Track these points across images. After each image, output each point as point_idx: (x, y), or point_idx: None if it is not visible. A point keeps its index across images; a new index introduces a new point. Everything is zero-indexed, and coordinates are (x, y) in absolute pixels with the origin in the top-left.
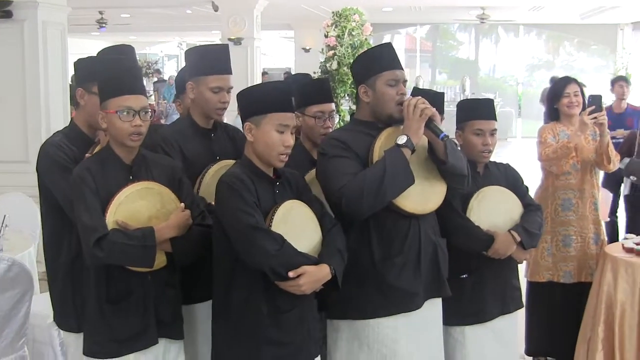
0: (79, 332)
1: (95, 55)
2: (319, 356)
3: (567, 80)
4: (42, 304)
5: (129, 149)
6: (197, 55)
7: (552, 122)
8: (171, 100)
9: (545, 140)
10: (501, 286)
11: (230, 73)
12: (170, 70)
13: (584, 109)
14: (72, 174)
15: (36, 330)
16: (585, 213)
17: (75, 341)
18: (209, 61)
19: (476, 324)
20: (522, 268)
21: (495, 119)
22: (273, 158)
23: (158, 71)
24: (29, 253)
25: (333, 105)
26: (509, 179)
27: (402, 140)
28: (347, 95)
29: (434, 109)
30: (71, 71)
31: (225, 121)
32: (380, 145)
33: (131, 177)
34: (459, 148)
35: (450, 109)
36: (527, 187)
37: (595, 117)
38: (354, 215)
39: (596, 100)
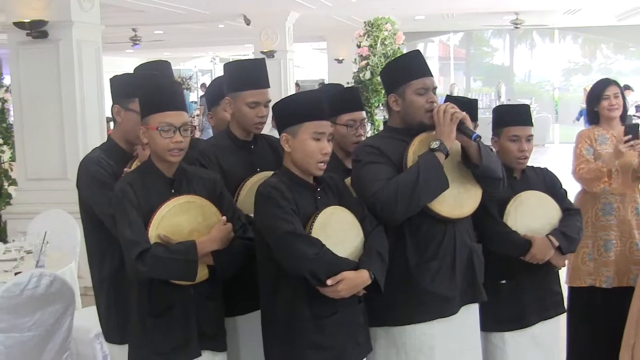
0: (122, 344)
1: (130, 71)
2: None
3: (607, 82)
4: (84, 318)
5: (170, 164)
6: (233, 71)
7: (591, 126)
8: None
9: (580, 153)
10: (541, 291)
11: (267, 87)
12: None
13: (624, 112)
14: (114, 189)
15: (79, 344)
16: (626, 217)
17: (120, 353)
18: (245, 76)
19: (516, 329)
20: (562, 273)
21: (532, 125)
22: (312, 167)
23: (204, 85)
24: (70, 269)
25: (364, 114)
26: (547, 183)
27: (435, 144)
28: (382, 104)
29: (464, 113)
30: (106, 88)
31: None
32: (413, 151)
33: (173, 191)
34: (493, 152)
35: (485, 115)
36: (565, 191)
37: (631, 146)
38: (388, 220)
39: (632, 129)
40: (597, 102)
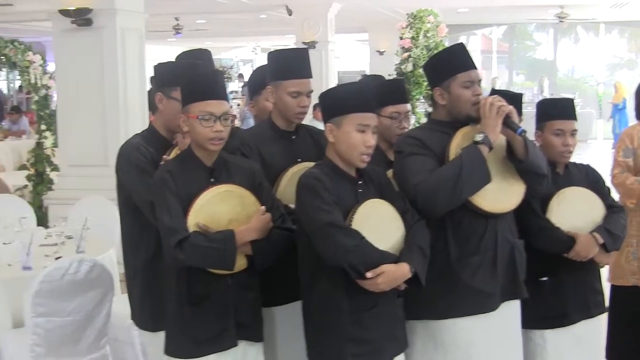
0: (155, 331)
1: (173, 60)
2: (403, 355)
3: None
4: (123, 304)
5: (210, 153)
6: (276, 60)
7: (637, 122)
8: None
9: (617, 155)
10: (583, 289)
11: (310, 77)
12: (246, 75)
13: None
14: (154, 176)
15: (117, 329)
16: None
17: (151, 340)
18: (287, 66)
19: (557, 327)
20: (604, 272)
21: (576, 119)
22: (355, 158)
23: (241, 75)
24: (110, 255)
25: (409, 106)
26: (590, 179)
27: (479, 137)
28: (423, 97)
29: (511, 107)
30: (148, 77)
31: None
32: (457, 144)
33: (212, 180)
34: (538, 147)
35: (528, 110)
36: (608, 189)
37: None
38: (429, 213)
39: None
40: None
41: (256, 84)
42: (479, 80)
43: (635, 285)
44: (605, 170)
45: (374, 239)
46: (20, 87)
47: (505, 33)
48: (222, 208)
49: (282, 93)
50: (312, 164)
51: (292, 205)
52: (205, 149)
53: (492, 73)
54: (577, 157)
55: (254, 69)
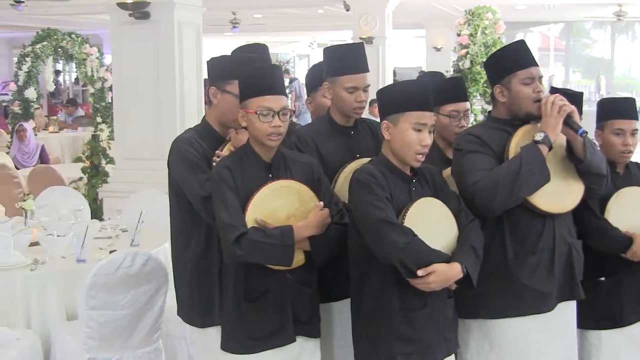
0: (204, 327)
1: (228, 54)
2: (454, 356)
3: None
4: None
5: (268, 148)
6: (331, 55)
7: None
8: None
9: None
10: (639, 290)
11: (367, 71)
12: (302, 69)
13: None
14: (212, 172)
15: (170, 324)
16: None
17: (200, 337)
18: (343, 61)
19: (613, 328)
20: None
21: (637, 119)
22: (409, 157)
23: (287, 71)
24: (164, 248)
25: (468, 104)
26: None
27: (539, 136)
28: (480, 94)
29: (573, 106)
30: (205, 71)
31: None
32: (516, 142)
33: (270, 176)
34: (598, 148)
35: (584, 108)
36: None
37: None
38: (487, 211)
39: None
40: None
41: (313, 81)
42: (540, 77)
43: None
44: None
45: (427, 238)
46: (76, 79)
47: (562, 30)
48: (280, 204)
49: (338, 88)
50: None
51: None
52: (263, 145)
53: (549, 71)
54: (635, 156)
55: (311, 65)
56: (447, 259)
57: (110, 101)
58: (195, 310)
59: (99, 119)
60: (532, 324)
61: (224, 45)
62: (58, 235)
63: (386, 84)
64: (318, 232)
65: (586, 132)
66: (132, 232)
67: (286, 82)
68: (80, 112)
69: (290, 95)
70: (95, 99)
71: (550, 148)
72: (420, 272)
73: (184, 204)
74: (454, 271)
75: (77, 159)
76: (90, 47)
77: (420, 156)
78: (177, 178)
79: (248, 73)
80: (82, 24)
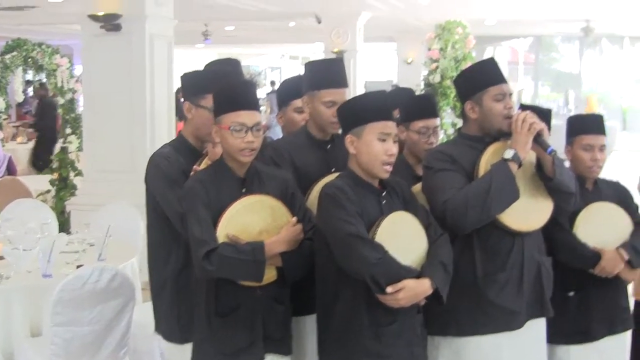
0: (182, 343)
1: (201, 68)
2: None
3: None
4: (143, 314)
5: (241, 163)
6: (311, 70)
7: None
8: None
9: None
10: (608, 305)
11: (345, 86)
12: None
13: None
14: (185, 186)
15: (137, 339)
16: None
17: (178, 353)
18: (322, 75)
19: (582, 343)
20: (629, 288)
21: (605, 134)
22: (377, 168)
23: (273, 82)
24: (132, 263)
25: (438, 121)
26: (619, 196)
27: (509, 154)
28: (450, 108)
29: (543, 124)
30: (177, 83)
31: None
32: (486, 160)
33: (244, 190)
34: (567, 164)
35: (553, 123)
36: (637, 205)
37: None
38: (458, 229)
39: None
40: None
41: (284, 96)
42: (510, 94)
43: None
44: (630, 182)
45: (398, 252)
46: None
47: (531, 45)
48: (252, 219)
49: (317, 103)
50: None
51: None
52: (236, 160)
53: (518, 84)
54: (604, 172)
55: (282, 80)
56: (416, 274)
57: (80, 112)
58: (174, 326)
59: (68, 131)
60: (501, 341)
61: (196, 57)
62: (24, 249)
63: None
64: (290, 247)
65: (555, 151)
66: (100, 247)
67: (269, 90)
68: None
69: (265, 107)
70: (65, 110)
71: (520, 165)
72: (389, 289)
73: (163, 219)
74: (423, 287)
75: (46, 171)
76: (61, 57)
77: (388, 166)
78: (156, 194)
79: (221, 88)
80: (53, 34)
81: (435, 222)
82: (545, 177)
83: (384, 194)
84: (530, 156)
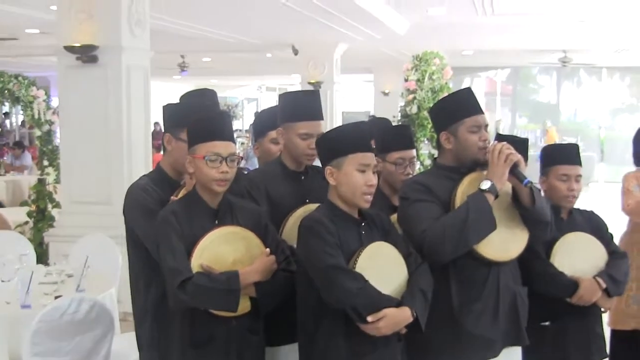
0: None
1: (178, 99)
2: None
3: None
4: (122, 344)
5: (215, 194)
6: (287, 101)
7: (637, 168)
8: None
9: (628, 189)
10: (584, 334)
11: (321, 119)
12: (250, 113)
13: None
14: (158, 217)
15: None
16: None
17: None
18: (298, 107)
19: None
20: (604, 317)
21: (581, 165)
22: (357, 199)
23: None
24: (110, 294)
25: (414, 152)
26: (594, 226)
27: (485, 185)
28: (427, 139)
29: (519, 155)
30: (154, 114)
31: None
32: (462, 190)
33: (217, 222)
34: (542, 194)
35: (530, 153)
36: (611, 235)
37: None
38: (435, 260)
39: None
40: None
41: (260, 127)
42: (486, 125)
43: (635, 329)
44: (607, 212)
45: (378, 282)
46: (22, 122)
47: (509, 76)
48: (226, 249)
49: (292, 134)
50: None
51: None
52: (210, 190)
53: (496, 115)
54: (578, 201)
55: (258, 111)
56: (397, 303)
57: (57, 144)
58: (156, 356)
59: (45, 163)
60: None
61: (173, 88)
62: (2, 281)
63: None
64: (264, 278)
65: (531, 182)
66: (78, 277)
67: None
68: (28, 155)
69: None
70: (42, 142)
71: (496, 196)
72: (370, 318)
73: (142, 250)
74: (403, 315)
75: (23, 203)
76: (37, 89)
77: (368, 197)
78: (133, 225)
79: (197, 119)
80: (30, 65)
81: (415, 252)
82: (522, 207)
83: (363, 224)
84: (506, 186)
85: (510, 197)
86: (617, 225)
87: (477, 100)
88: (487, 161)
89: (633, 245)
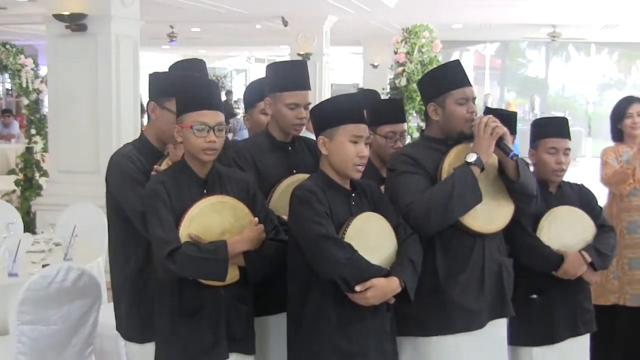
0: (143, 343)
1: (167, 69)
2: None
3: (630, 100)
4: (109, 313)
5: (203, 164)
6: (274, 71)
7: (615, 144)
8: None
9: (607, 162)
10: (571, 307)
11: (308, 89)
12: (239, 84)
13: None
14: (146, 187)
15: (103, 339)
16: None
17: (139, 352)
18: (285, 77)
19: (545, 345)
20: None
21: (570, 138)
22: (349, 169)
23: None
24: (98, 263)
25: (405, 126)
26: (583, 199)
27: (471, 158)
28: (416, 112)
29: (505, 128)
30: (142, 84)
31: None
32: (449, 163)
33: (205, 191)
34: (531, 167)
35: (519, 127)
36: (600, 208)
37: None
38: (421, 231)
39: None
40: (621, 119)
41: (251, 98)
42: (474, 98)
43: (615, 304)
44: (594, 187)
45: (367, 252)
46: (7, 90)
47: (498, 50)
48: (214, 219)
49: (280, 104)
50: (307, 175)
51: (285, 217)
52: (198, 160)
53: (484, 89)
54: (566, 175)
55: (248, 82)
56: (385, 273)
57: (45, 113)
58: (134, 326)
59: (33, 131)
60: (463, 341)
61: (162, 58)
62: None
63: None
64: (252, 247)
65: (517, 155)
66: (66, 246)
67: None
68: (15, 123)
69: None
70: (30, 111)
71: (482, 169)
72: (358, 288)
73: (123, 219)
74: (392, 286)
75: (11, 172)
76: (25, 57)
77: (360, 167)
78: (116, 193)
79: (184, 89)
80: (17, 34)
81: (404, 223)
82: (507, 180)
83: (353, 195)
84: (492, 159)
85: (497, 170)
86: (603, 199)
87: (465, 73)
88: (472, 134)
89: (612, 220)
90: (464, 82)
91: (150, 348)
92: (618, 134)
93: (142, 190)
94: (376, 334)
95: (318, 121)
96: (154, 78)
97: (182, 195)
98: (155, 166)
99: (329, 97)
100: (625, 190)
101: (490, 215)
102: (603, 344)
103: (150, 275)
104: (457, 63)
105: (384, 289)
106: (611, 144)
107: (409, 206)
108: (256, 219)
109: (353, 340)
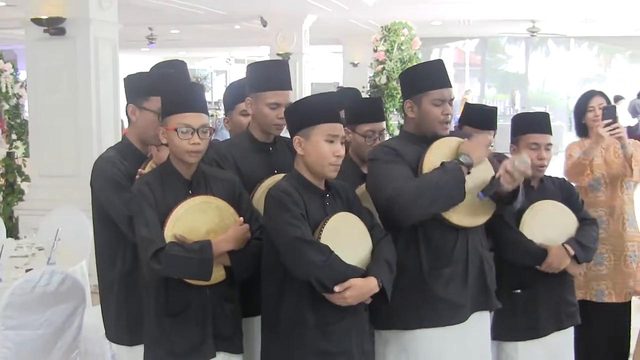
0: (132, 345)
1: (146, 71)
2: None
3: (592, 94)
4: (93, 316)
5: (188, 165)
6: (255, 71)
7: (580, 139)
8: None
9: (571, 156)
10: (555, 301)
11: (289, 89)
12: (219, 85)
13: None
14: (132, 189)
15: (88, 342)
16: (618, 230)
17: (127, 354)
18: (267, 77)
19: (529, 339)
20: None
21: (551, 133)
22: (325, 169)
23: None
24: (81, 266)
25: (384, 124)
26: (564, 193)
27: (464, 159)
28: (396, 110)
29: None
30: (122, 87)
31: None
32: (432, 154)
33: (190, 192)
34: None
35: (499, 123)
36: (582, 201)
37: (611, 130)
38: (404, 219)
39: (610, 112)
40: (583, 114)
41: (230, 100)
42: (451, 100)
43: (582, 299)
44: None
45: (343, 253)
46: None
47: (477, 46)
48: (199, 219)
49: (261, 104)
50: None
51: None
52: (183, 161)
53: (464, 86)
54: (547, 169)
55: (228, 84)
56: (362, 273)
57: (25, 118)
58: (123, 329)
59: (14, 136)
60: (447, 334)
61: (141, 60)
62: None
63: None
64: (237, 246)
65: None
66: (49, 251)
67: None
68: None
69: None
70: (10, 116)
71: (469, 172)
72: (337, 288)
73: (109, 223)
74: (370, 286)
75: None
76: (4, 62)
77: (335, 167)
78: (101, 198)
79: (169, 90)
80: None
81: (379, 223)
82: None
83: (327, 195)
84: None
85: (483, 165)
86: None
87: (446, 73)
88: (446, 136)
89: None
90: (443, 83)
91: (139, 350)
92: (582, 129)
93: (127, 194)
94: (356, 334)
95: (293, 121)
96: (129, 80)
97: (168, 196)
98: (140, 170)
99: (301, 98)
100: (584, 181)
101: (472, 210)
102: (588, 336)
103: (138, 277)
104: (439, 63)
105: (362, 289)
106: None
107: (395, 191)
108: (241, 218)
109: (333, 340)
